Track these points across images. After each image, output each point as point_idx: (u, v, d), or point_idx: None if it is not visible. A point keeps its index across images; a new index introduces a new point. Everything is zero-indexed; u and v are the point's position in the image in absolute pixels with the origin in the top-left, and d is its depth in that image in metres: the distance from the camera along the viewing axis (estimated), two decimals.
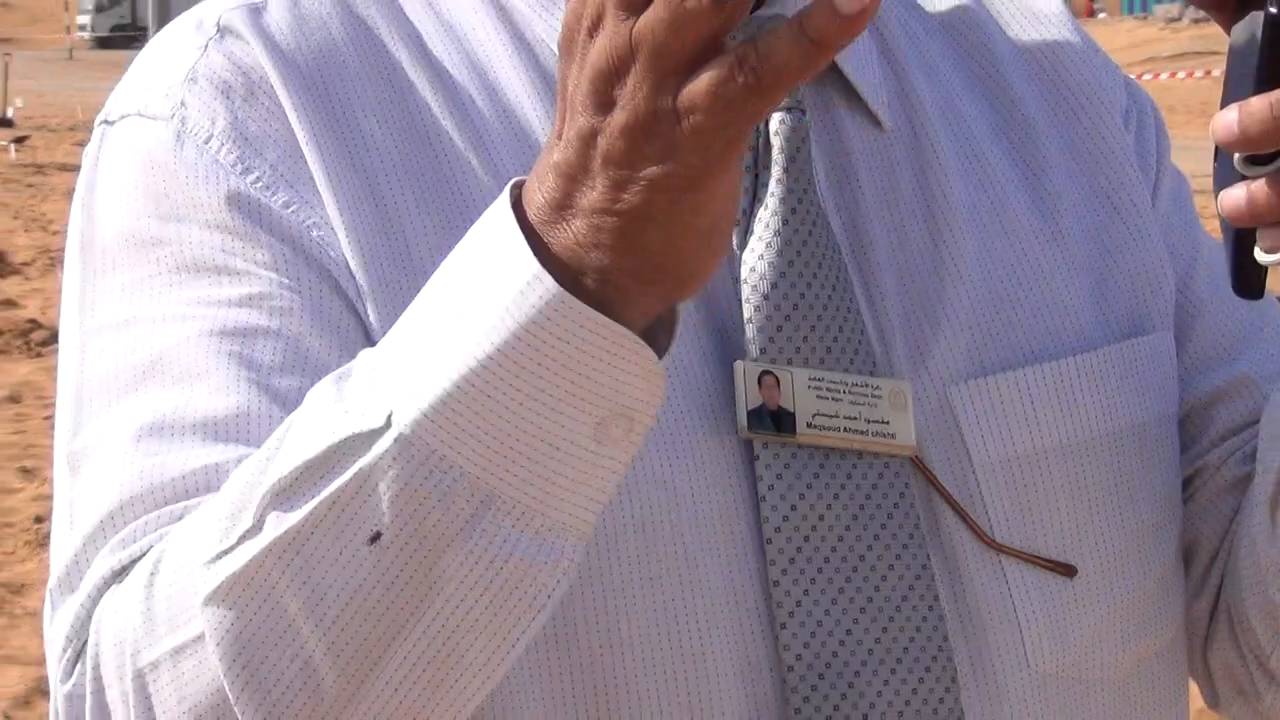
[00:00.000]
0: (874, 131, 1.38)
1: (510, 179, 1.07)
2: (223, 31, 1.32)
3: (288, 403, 1.16)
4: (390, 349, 1.03)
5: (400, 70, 1.33)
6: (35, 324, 14.13)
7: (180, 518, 1.14)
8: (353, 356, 1.11)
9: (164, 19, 43.73)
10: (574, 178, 0.93)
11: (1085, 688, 1.35)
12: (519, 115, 1.33)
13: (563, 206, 0.94)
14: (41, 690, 5.74)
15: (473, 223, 1.07)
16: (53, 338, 12.77)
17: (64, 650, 1.15)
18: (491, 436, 0.96)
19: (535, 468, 0.97)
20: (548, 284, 0.93)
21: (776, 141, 1.31)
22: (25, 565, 7.62)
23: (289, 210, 1.26)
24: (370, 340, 1.20)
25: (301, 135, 1.28)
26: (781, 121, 1.31)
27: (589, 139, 0.91)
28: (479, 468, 0.97)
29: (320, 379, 1.10)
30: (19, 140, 29.80)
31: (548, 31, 1.33)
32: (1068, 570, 1.31)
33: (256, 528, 1.01)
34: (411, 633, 1.00)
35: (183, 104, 1.30)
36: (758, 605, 1.24)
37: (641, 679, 1.21)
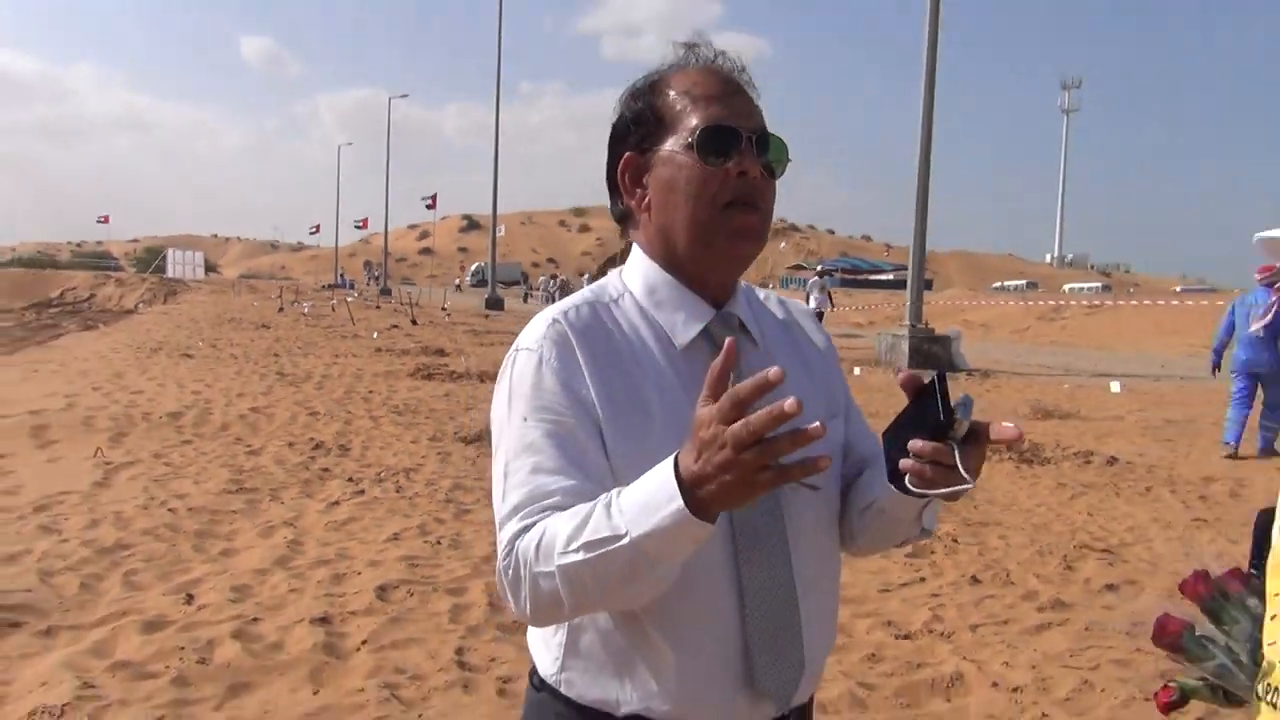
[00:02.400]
0: (754, 348, 1.56)
1: (653, 388, 1.47)
2: (555, 322, 1.49)
3: (573, 463, 1.39)
4: (627, 503, 1.26)
5: (613, 337, 1.50)
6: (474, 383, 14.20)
7: (546, 510, 1.36)
8: (600, 449, 1.42)
9: (495, 278, 45.39)
10: (704, 478, 1.18)
11: (823, 529, 1.56)
12: (656, 359, 1.49)
13: (698, 484, 1.20)
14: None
15: (639, 399, 1.45)
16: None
17: (504, 550, 1.37)
18: (661, 543, 1.23)
19: (675, 552, 1.26)
20: (687, 513, 1.20)
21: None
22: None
23: (579, 388, 1.43)
24: (604, 440, 1.42)
25: (581, 359, 1.45)
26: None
27: (718, 467, 1.17)
28: (656, 551, 1.24)
29: (584, 452, 1.41)
30: (448, 313, 33.96)
31: (658, 316, 1.52)
32: (815, 487, 1.48)
33: (577, 551, 1.28)
34: (620, 592, 1.30)
35: (541, 347, 1.46)
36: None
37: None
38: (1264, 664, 1.30)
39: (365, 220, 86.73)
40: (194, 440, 9.01)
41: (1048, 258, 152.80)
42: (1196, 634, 1.66)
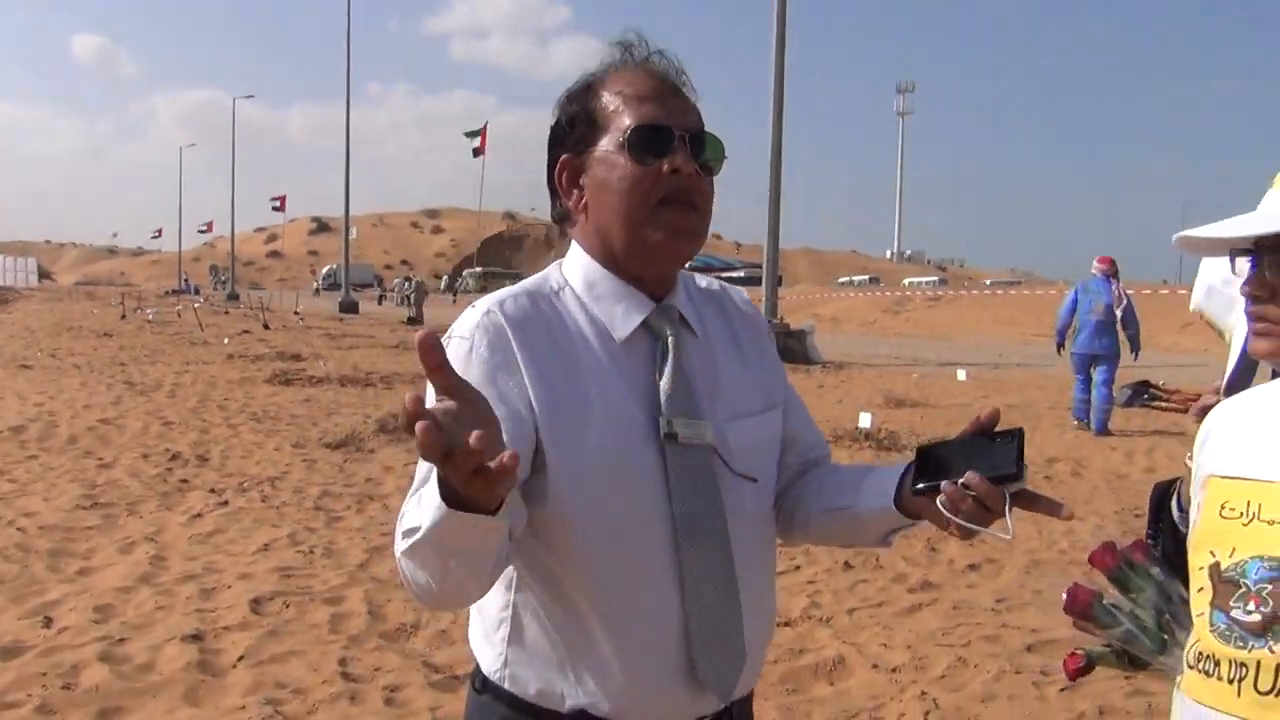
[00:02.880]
0: (693, 337, 1.53)
1: (593, 380, 1.43)
2: (490, 311, 1.44)
3: None
4: (425, 494, 1.23)
5: (553, 328, 1.46)
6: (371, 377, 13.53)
7: None
8: (524, 441, 1.37)
9: (348, 281, 44.56)
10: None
11: (762, 520, 1.56)
12: (596, 352, 1.46)
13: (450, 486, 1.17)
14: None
15: (579, 391, 1.42)
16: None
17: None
18: (446, 534, 1.20)
19: (469, 542, 1.22)
20: (445, 508, 1.16)
21: (670, 342, 1.49)
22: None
23: (507, 380, 1.39)
24: (537, 432, 1.38)
25: (517, 349, 1.41)
26: (668, 335, 1.49)
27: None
28: (451, 542, 1.21)
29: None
30: (301, 317, 32.63)
31: (597, 310, 1.49)
32: (754, 479, 1.51)
33: (402, 540, 1.28)
34: (448, 579, 1.28)
35: (472, 336, 1.42)
36: (664, 495, 1.42)
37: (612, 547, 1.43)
38: (1194, 633, 1.35)
39: (210, 224, 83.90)
40: (40, 455, 8.49)
41: (888, 253, 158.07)
42: (1105, 602, 1.71)
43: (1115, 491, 8.09)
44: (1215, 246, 1.35)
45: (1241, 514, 1.29)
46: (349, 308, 42.26)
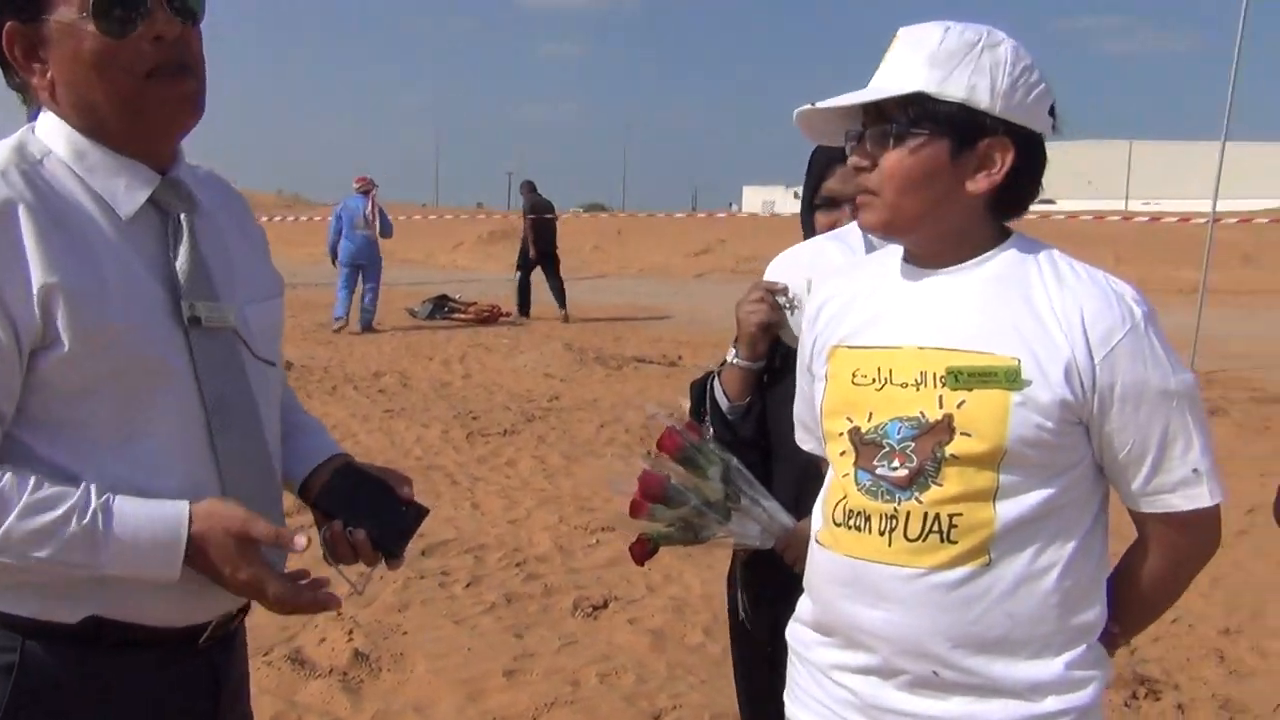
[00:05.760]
0: (201, 214, 1.43)
1: (107, 260, 1.30)
2: None
3: None
4: (116, 547, 1.26)
5: (46, 199, 1.29)
6: None
7: None
8: (15, 353, 1.23)
9: None
10: (219, 576, 1.32)
11: (279, 404, 1.54)
12: (102, 228, 1.32)
13: (209, 572, 1.31)
14: None
15: (93, 271, 1.27)
16: None
17: None
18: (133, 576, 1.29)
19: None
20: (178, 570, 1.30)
21: (183, 220, 1.39)
22: None
23: (5, 270, 1.23)
24: (54, 318, 1.24)
25: (23, 229, 1.25)
26: (179, 213, 1.39)
27: (241, 585, 1.32)
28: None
29: None
30: None
31: (94, 182, 1.33)
32: (273, 363, 1.50)
33: (38, 550, 1.25)
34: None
35: None
36: (193, 379, 1.35)
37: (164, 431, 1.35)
38: (834, 493, 1.45)
39: None
40: None
41: None
42: (673, 483, 1.80)
43: (445, 398, 8.55)
44: (831, 126, 1.42)
45: (874, 380, 1.40)
46: None
